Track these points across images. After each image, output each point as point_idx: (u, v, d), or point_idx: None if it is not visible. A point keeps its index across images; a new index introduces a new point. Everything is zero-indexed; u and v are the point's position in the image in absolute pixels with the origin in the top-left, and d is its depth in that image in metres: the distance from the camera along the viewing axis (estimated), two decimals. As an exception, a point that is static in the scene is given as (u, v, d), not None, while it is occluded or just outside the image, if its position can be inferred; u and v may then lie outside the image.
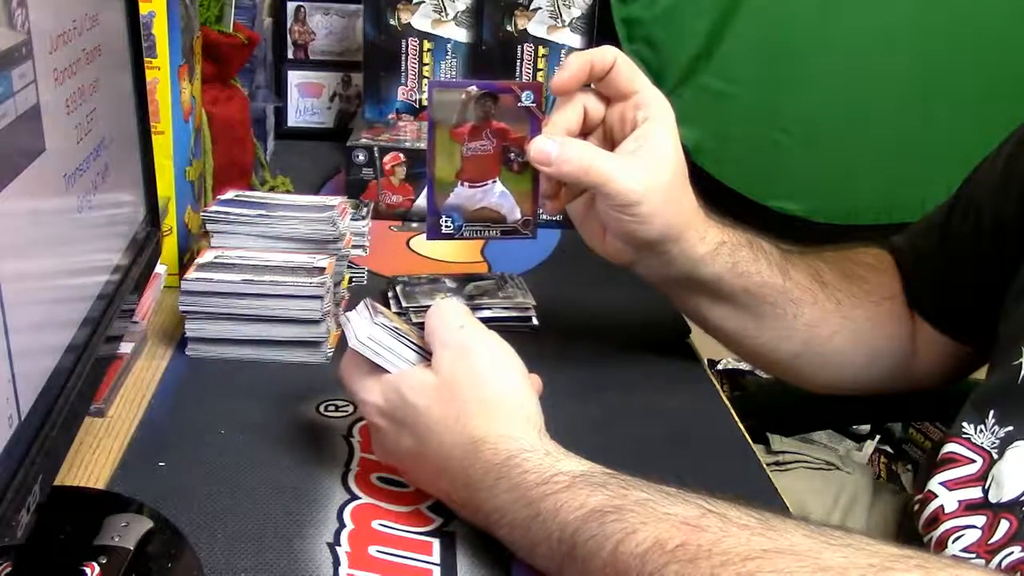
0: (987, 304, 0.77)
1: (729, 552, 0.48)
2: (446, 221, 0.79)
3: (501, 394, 0.62)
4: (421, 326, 0.67)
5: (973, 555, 0.64)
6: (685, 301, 0.84)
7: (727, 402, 0.85)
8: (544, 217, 1.14)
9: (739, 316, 0.82)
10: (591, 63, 0.74)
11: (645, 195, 0.73)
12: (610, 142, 0.77)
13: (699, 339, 0.94)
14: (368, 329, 0.65)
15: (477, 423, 0.61)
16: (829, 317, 0.85)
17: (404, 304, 0.93)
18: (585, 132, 0.78)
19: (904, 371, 0.88)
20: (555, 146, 0.73)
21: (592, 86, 0.77)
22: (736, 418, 0.83)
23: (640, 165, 0.73)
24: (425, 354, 0.65)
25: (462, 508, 0.63)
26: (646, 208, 0.73)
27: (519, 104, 0.77)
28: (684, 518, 0.51)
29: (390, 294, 0.96)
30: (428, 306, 0.93)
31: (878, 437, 1.60)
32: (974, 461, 0.67)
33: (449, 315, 0.65)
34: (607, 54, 0.74)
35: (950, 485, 0.67)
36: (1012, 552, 0.61)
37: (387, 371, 0.65)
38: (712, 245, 0.78)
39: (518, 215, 0.80)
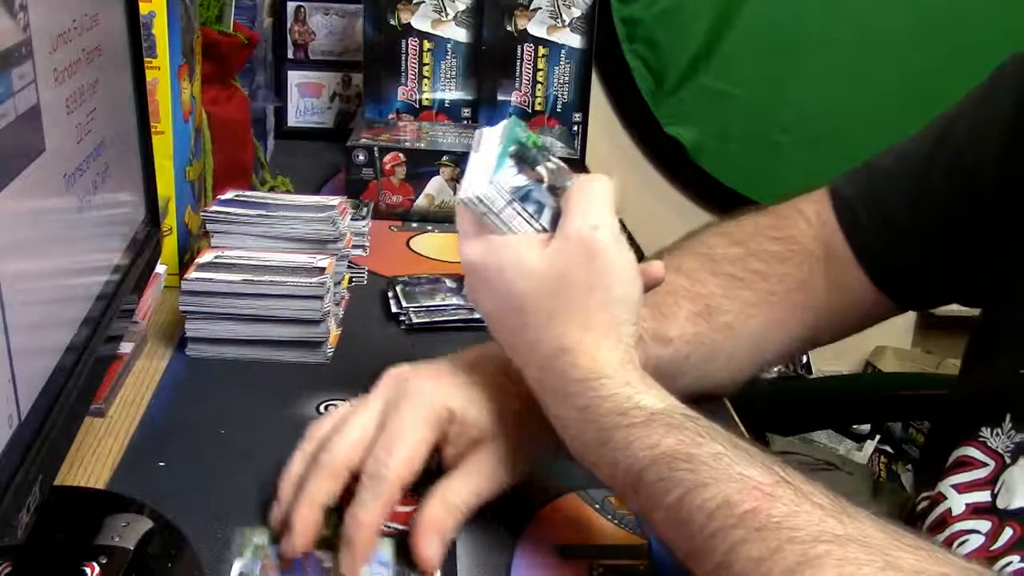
0: (951, 272, 0.75)
1: (800, 529, 0.46)
2: None
3: (602, 306, 0.58)
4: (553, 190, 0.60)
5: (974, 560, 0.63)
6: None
7: (727, 402, 0.85)
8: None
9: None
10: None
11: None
12: None
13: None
14: (481, 183, 0.58)
15: (566, 329, 0.58)
16: (719, 348, 0.78)
17: (404, 304, 0.93)
18: None
19: (809, 340, 0.84)
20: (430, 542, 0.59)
21: None
22: (736, 418, 0.83)
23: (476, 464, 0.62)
24: (551, 215, 0.59)
25: (525, 379, 0.61)
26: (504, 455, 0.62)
27: None
28: (758, 482, 0.49)
29: (390, 294, 0.96)
30: (428, 306, 0.93)
31: (878, 437, 1.60)
32: (986, 465, 0.66)
33: (593, 206, 0.59)
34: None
35: (960, 488, 0.66)
36: (1012, 561, 0.60)
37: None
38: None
39: None
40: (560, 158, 0.63)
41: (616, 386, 0.56)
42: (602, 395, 0.56)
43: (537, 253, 0.59)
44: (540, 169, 0.60)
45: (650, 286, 0.62)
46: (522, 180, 0.59)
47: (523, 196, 0.59)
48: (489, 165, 0.59)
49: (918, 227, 0.77)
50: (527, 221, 0.59)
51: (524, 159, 0.59)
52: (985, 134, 0.73)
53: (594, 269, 0.58)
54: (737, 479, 0.49)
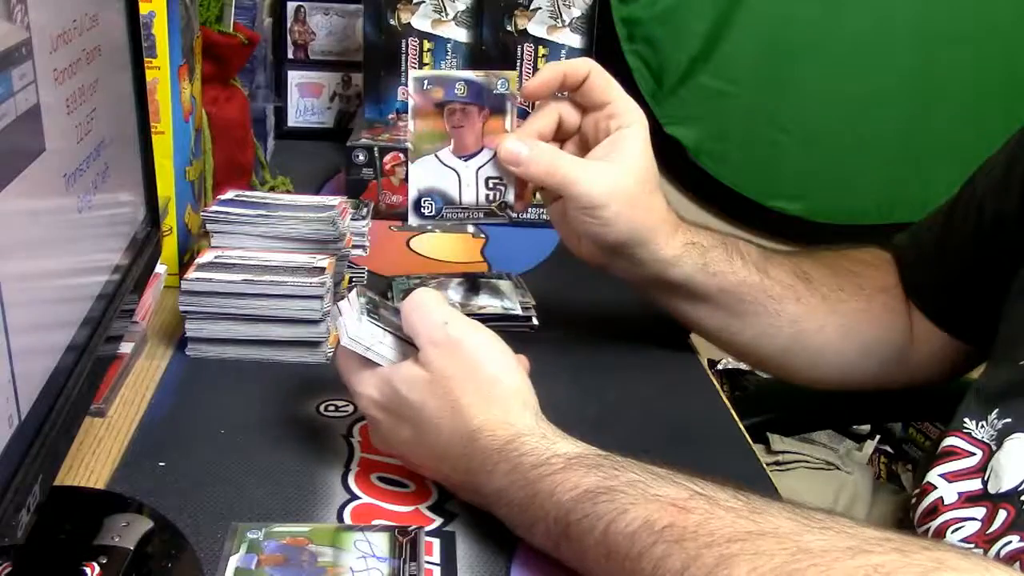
0: (986, 302, 0.77)
1: (714, 534, 0.50)
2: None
3: (494, 381, 0.63)
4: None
5: (972, 545, 0.64)
6: (664, 301, 0.85)
7: (727, 402, 0.85)
8: (543, 217, 1.14)
9: (719, 315, 0.84)
10: (564, 73, 0.78)
11: (609, 198, 0.76)
12: (584, 150, 0.80)
13: (699, 339, 0.94)
14: (356, 325, 0.66)
15: (473, 413, 0.62)
16: (814, 312, 0.86)
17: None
18: (561, 140, 0.81)
19: (899, 365, 0.88)
20: (524, 147, 0.77)
21: (567, 96, 0.81)
22: (736, 418, 0.83)
23: (607, 170, 0.77)
24: (413, 347, 0.66)
25: (461, 489, 0.65)
26: (610, 211, 0.76)
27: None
28: (673, 499, 0.53)
29: (390, 294, 0.96)
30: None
31: (878, 437, 1.60)
32: (974, 454, 0.68)
33: (431, 312, 0.65)
34: (581, 65, 0.78)
35: (950, 477, 0.68)
36: (1010, 541, 0.61)
37: (380, 364, 0.66)
38: (679, 247, 0.80)
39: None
40: None
41: (535, 441, 0.60)
42: (523, 452, 0.60)
43: (415, 368, 0.64)
44: (387, 312, 0.69)
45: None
46: (379, 322, 0.67)
47: (386, 330, 0.66)
48: (358, 315, 0.67)
49: (945, 257, 0.84)
50: (396, 349, 0.66)
51: (376, 305, 0.69)
52: (1008, 193, 0.79)
53: (465, 357, 0.63)
54: (653, 500, 0.53)
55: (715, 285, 0.82)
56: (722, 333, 0.86)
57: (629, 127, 0.78)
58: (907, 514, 0.73)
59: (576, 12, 1.34)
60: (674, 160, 1.74)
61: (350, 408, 0.78)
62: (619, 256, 0.81)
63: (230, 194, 0.91)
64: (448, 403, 0.63)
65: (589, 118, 0.80)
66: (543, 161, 0.77)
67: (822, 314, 0.86)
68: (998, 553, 0.61)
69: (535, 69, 1.36)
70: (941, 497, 0.68)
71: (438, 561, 0.62)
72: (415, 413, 0.63)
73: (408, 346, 0.66)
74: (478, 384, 0.63)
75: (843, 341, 0.86)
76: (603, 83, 0.78)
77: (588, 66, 0.78)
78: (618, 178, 0.77)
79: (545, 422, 0.63)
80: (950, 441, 0.70)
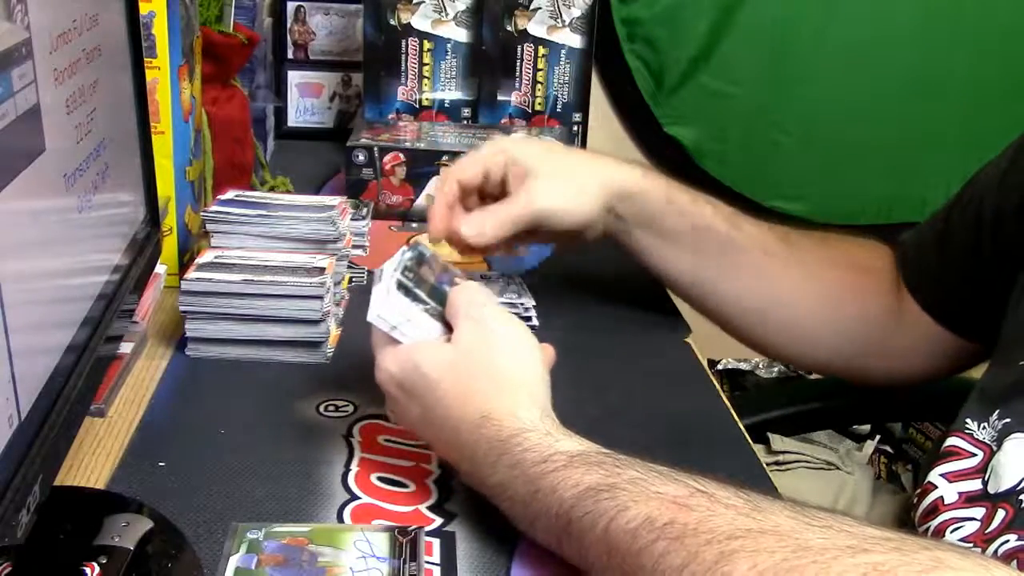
0: (987, 299, 0.77)
1: (714, 531, 0.50)
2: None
3: (511, 372, 0.65)
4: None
5: (971, 545, 0.64)
6: (646, 253, 0.91)
7: (727, 402, 0.85)
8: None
9: (693, 261, 0.90)
10: (453, 201, 0.87)
11: (558, 208, 0.86)
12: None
13: (699, 339, 0.94)
14: (383, 302, 0.66)
15: (484, 398, 0.63)
16: (786, 269, 0.89)
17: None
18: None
19: (881, 354, 0.89)
20: (471, 227, 0.86)
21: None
22: (736, 418, 0.83)
23: (538, 185, 0.86)
24: (444, 325, 0.67)
25: (466, 477, 0.66)
26: (566, 209, 0.87)
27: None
28: (674, 497, 0.53)
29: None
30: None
31: (878, 437, 1.60)
32: (975, 455, 0.68)
33: (476, 294, 0.68)
34: (456, 180, 0.88)
35: (950, 477, 0.68)
36: (1008, 540, 0.62)
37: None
38: (648, 181, 0.90)
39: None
40: None
41: (538, 437, 0.61)
42: (526, 447, 0.60)
43: (445, 346, 0.66)
44: (434, 269, 0.69)
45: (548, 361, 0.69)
46: (414, 297, 0.67)
47: (416, 308, 0.67)
48: (388, 289, 0.67)
49: (944, 252, 0.85)
50: (424, 328, 0.67)
51: (415, 277, 0.68)
52: (1008, 186, 0.79)
53: (493, 341, 0.65)
54: (655, 497, 0.53)
55: (686, 224, 0.89)
56: (699, 283, 0.90)
57: (520, 163, 0.87)
58: (908, 514, 0.73)
59: (576, 12, 1.34)
60: (674, 160, 1.74)
61: (350, 408, 0.78)
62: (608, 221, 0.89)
63: (230, 194, 0.91)
64: (462, 385, 0.64)
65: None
66: (491, 220, 0.86)
67: (795, 273, 0.89)
68: (996, 551, 0.62)
69: (535, 69, 1.36)
70: (941, 497, 0.68)
71: (438, 561, 0.62)
72: (429, 391, 0.64)
73: (436, 323, 0.67)
74: (494, 371, 0.64)
75: (818, 304, 0.88)
76: (474, 171, 0.88)
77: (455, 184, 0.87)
78: (551, 183, 0.86)
79: (551, 419, 0.63)
80: (952, 441, 0.70)
